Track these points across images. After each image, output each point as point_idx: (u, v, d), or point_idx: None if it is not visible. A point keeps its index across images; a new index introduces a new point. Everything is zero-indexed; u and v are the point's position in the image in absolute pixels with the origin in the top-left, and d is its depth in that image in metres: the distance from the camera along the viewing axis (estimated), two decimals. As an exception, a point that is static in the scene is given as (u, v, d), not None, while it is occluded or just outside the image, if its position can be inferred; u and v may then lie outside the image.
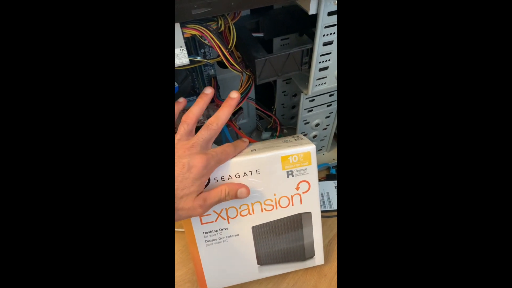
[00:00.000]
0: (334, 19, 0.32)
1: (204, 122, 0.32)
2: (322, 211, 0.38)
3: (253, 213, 0.35)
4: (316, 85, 0.38)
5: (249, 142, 0.36)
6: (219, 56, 0.33)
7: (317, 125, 0.48)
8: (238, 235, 0.36)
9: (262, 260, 0.37)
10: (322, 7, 0.30)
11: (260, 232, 0.36)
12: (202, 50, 0.38)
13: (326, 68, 0.37)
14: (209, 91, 0.33)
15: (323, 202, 0.48)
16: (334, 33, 0.33)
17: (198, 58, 0.35)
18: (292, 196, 0.35)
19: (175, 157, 0.28)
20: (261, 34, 0.38)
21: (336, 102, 0.46)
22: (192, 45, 0.37)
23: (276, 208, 0.35)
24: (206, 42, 0.31)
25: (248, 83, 0.37)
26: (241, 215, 0.35)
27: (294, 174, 0.34)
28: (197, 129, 0.32)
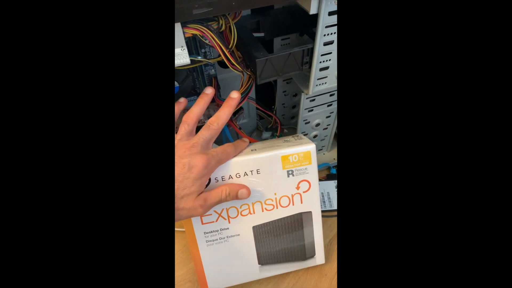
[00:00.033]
0: (334, 19, 0.32)
1: (204, 122, 0.32)
2: (322, 211, 0.38)
3: (254, 212, 0.35)
4: (316, 85, 0.38)
5: (250, 142, 0.36)
6: (219, 55, 0.33)
7: (317, 124, 0.48)
8: (238, 235, 0.36)
9: (263, 260, 0.37)
10: (323, 7, 0.30)
11: (261, 232, 0.36)
12: (203, 50, 0.38)
13: (326, 68, 0.37)
14: (209, 91, 0.33)
15: (324, 201, 0.48)
16: (334, 33, 0.33)
17: (199, 58, 0.35)
18: (292, 196, 0.35)
19: (176, 157, 0.28)
20: (262, 34, 0.38)
21: (336, 102, 0.46)
22: (193, 45, 0.37)
23: (277, 208, 0.35)
24: (207, 42, 0.31)
25: (249, 83, 0.37)
26: (241, 215, 0.35)
27: (294, 173, 0.34)
28: (198, 128, 0.32)
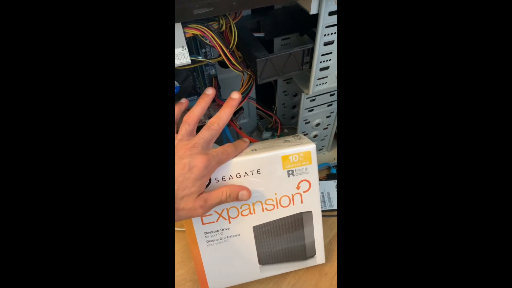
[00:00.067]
0: (335, 19, 0.32)
1: (205, 122, 0.32)
2: (322, 211, 0.38)
3: (254, 213, 0.35)
4: (317, 85, 0.38)
5: (250, 142, 0.37)
6: (220, 55, 0.33)
7: (317, 124, 0.48)
8: (239, 235, 0.36)
9: (263, 259, 0.37)
10: (323, 7, 0.30)
11: (261, 232, 0.36)
12: (203, 50, 0.38)
13: (327, 67, 0.37)
14: (210, 92, 0.33)
15: (324, 201, 0.48)
16: (334, 33, 0.33)
17: (199, 58, 0.35)
18: (293, 196, 0.35)
19: (176, 157, 0.28)
20: (262, 34, 0.38)
21: (336, 102, 0.46)
22: (194, 44, 0.37)
23: (277, 208, 0.35)
24: (207, 42, 0.31)
25: (249, 83, 0.37)
26: (242, 215, 0.35)
27: (294, 173, 0.34)
28: (199, 129, 0.32)
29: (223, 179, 0.33)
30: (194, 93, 0.42)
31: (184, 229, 0.43)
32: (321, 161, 0.53)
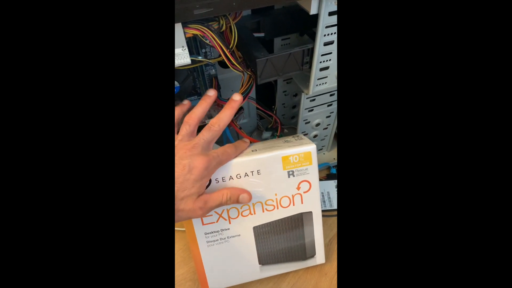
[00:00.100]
0: (335, 19, 0.32)
1: (205, 123, 0.32)
2: (322, 211, 0.38)
3: (254, 213, 0.35)
4: (316, 85, 0.38)
5: (250, 142, 0.37)
6: (220, 56, 0.33)
7: (317, 124, 0.48)
8: (239, 235, 0.36)
9: (264, 260, 0.37)
10: (323, 7, 0.30)
11: (262, 232, 0.36)
12: (203, 50, 0.38)
13: (327, 68, 0.37)
14: (212, 93, 0.33)
15: (324, 201, 0.48)
16: (334, 33, 0.33)
17: (200, 58, 0.35)
18: (293, 196, 0.35)
19: (176, 158, 0.28)
20: (262, 34, 0.38)
21: (336, 102, 0.46)
22: (194, 45, 0.37)
23: (277, 208, 0.35)
24: (207, 42, 0.31)
25: (249, 83, 0.37)
26: (242, 215, 0.35)
27: (295, 174, 0.34)
28: (199, 129, 0.32)
29: (223, 179, 0.33)
30: (194, 93, 0.42)
31: (184, 229, 0.43)
32: (321, 161, 0.53)
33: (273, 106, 0.52)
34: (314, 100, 0.43)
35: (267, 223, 0.36)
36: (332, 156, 0.54)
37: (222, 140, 0.44)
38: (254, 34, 0.37)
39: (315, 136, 0.50)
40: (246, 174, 0.33)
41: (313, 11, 0.30)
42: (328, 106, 0.45)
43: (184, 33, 0.29)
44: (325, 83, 0.39)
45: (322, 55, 0.35)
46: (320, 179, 0.50)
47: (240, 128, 0.43)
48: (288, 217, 0.36)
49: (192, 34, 0.30)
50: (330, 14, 0.31)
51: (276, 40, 0.42)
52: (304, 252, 0.38)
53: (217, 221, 0.35)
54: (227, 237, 0.36)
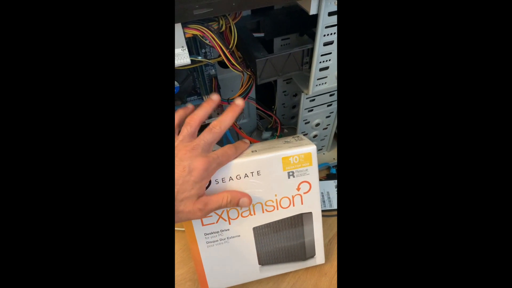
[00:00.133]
0: (334, 19, 0.32)
1: (207, 122, 0.32)
2: (322, 211, 0.38)
3: (254, 214, 0.35)
4: (316, 85, 0.38)
5: (250, 143, 0.36)
6: (220, 56, 0.33)
7: (317, 124, 0.48)
8: (239, 236, 0.36)
9: (263, 260, 0.37)
10: (323, 7, 0.30)
11: (261, 233, 0.36)
12: (203, 50, 0.38)
13: (326, 68, 0.37)
14: (215, 98, 0.33)
15: (324, 201, 0.48)
16: (334, 33, 0.33)
17: (199, 58, 0.35)
18: (293, 197, 0.35)
19: (176, 159, 0.28)
20: (262, 34, 0.38)
21: (336, 102, 0.46)
22: (193, 45, 0.37)
23: (277, 209, 0.35)
24: (207, 42, 0.31)
25: (249, 83, 0.37)
26: (242, 216, 0.35)
27: (295, 174, 0.34)
28: (200, 130, 0.32)
29: (223, 180, 0.33)
30: (194, 93, 0.42)
31: (183, 229, 0.43)
32: (321, 161, 0.53)
33: (273, 106, 0.52)
34: (313, 100, 0.43)
35: (267, 224, 0.36)
36: (332, 156, 0.54)
37: (222, 140, 0.44)
38: (254, 34, 0.37)
39: (315, 136, 0.50)
40: (246, 175, 0.33)
41: (312, 11, 0.30)
42: (327, 106, 0.45)
43: (184, 33, 0.28)
44: (325, 83, 0.39)
45: (321, 55, 0.35)
46: (320, 179, 0.50)
47: (240, 128, 0.43)
48: (288, 218, 0.36)
49: (192, 34, 0.30)
50: (330, 14, 0.31)
51: (276, 40, 0.42)
52: (304, 252, 0.38)
53: (216, 222, 0.35)
54: (227, 238, 0.35)
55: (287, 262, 0.38)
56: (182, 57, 0.28)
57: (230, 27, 0.32)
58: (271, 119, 0.50)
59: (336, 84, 0.40)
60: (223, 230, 0.35)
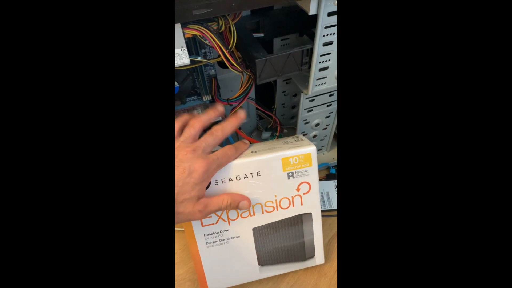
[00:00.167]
0: (334, 19, 0.32)
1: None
2: (322, 211, 0.38)
3: (254, 214, 0.35)
4: (316, 85, 0.38)
5: (250, 143, 0.36)
6: (219, 56, 0.33)
7: (317, 125, 0.48)
8: (239, 236, 0.36)
9: (263, 260, 0.37)
10: (322, 7, 0.30)
11: (261, 234, 0.36)
12: (203, 50, 0.38)
13: (326, 68, 0.37)
14: (222, 109, 0.34)
15: (323, 201, 0.48)
16: (334, 33, 0.33)
17: (199, 58, 0.35)
18: (292, 198, 0.35)
19: (177, 160, 0.28)
20: (262, 35, 0.38)
21: (336, 102, 0.46)
22: (193, 45, 0.37)
23: (277, 210, 0.35)
24: (206, 42, 0.31)
25: (249, 83, 0.37)
26: (241, 216, 0.35)
27: (294, 175, 0.34)
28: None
29: (222, 181, 0.32)
30: (194, 94, 0.42)
31: (183, 229, 0.43)
32: (320, 161, 0.53)
33: (272, 106, 0.52)
34: (313, 100, 0.43)
35: (266, 224, 0.36)
36: (331, 156, 0.54)
37: (222, 141, 0.44)
38: (253, 34, 0.37)
39: (315, 136, 0.50)
40: (245, 176, 0.33)
41: (312, 11, 0.30)
42: (327, 106, 0.45)
43: (183, 33, 0.28)
44: (324, 83, 0.39)
45: (321, 55, 0.35)
46: (320, 179, 0.50)
47: (240, 129, 0.43)
48: (287, 219, 0.36)
49: (191, 34, 0.30)
50: (329, 14, 0.31)
51: (275, 40, 0.42)
52: (303, 252, 0.38)
53: (216, 223, 0.35)
54: (227, 238, 0.35)
55: (286, 262, 0.38)
56: (181, 57, 0.28)
57: (229, 27, 0.32)
58: (271, 119, 0.50)
59: (335, 84, 0.40)
60: (222, 231, 0.35)
